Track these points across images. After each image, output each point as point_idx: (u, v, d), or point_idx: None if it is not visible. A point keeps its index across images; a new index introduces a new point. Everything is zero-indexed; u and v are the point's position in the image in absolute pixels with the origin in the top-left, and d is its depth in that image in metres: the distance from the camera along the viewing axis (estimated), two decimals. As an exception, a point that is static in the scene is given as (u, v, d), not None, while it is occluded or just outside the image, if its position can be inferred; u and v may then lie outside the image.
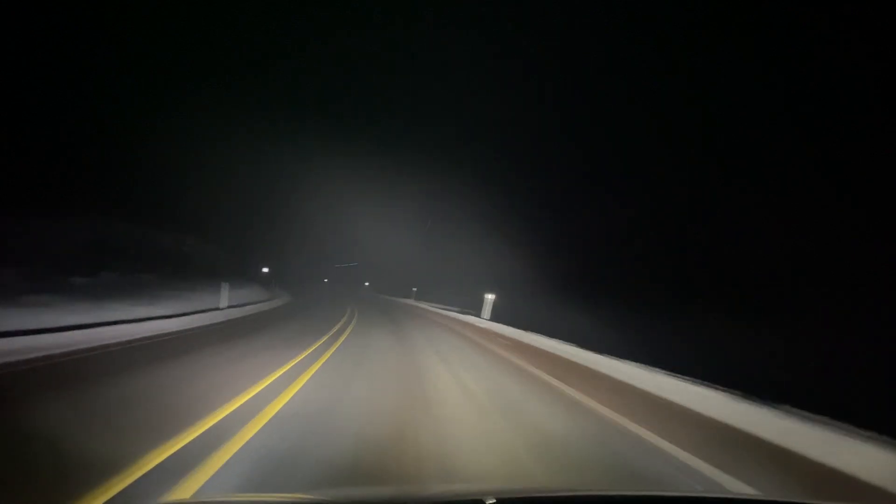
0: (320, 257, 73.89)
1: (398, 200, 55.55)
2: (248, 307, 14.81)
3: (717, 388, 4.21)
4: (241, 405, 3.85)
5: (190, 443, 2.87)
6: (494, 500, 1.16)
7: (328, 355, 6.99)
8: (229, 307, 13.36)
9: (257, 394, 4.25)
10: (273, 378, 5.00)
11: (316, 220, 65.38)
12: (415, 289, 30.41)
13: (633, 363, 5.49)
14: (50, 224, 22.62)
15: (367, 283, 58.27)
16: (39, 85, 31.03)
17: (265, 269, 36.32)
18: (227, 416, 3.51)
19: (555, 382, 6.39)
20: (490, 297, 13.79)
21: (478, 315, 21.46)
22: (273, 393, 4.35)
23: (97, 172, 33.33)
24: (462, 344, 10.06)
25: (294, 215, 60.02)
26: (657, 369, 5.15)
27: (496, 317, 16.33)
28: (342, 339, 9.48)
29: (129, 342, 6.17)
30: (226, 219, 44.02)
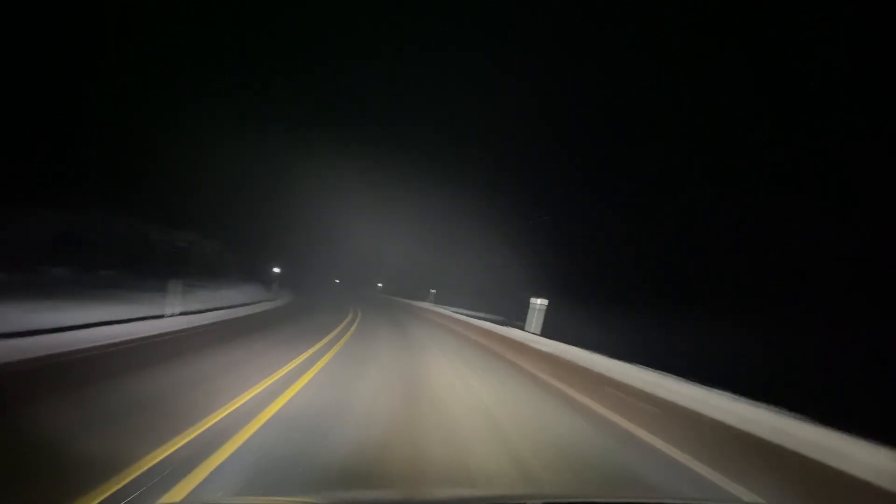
0: (332, 258, 71.54)
1: (412, 201, 52.04)
2: (215, 313, 11.11)
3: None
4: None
5: None
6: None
7: (258, 424, 3.12)
8: (182, 314, 9.67)
9: None
10: None
11: (328, 221, 62.97)
12: (433, 291, 26.45)
13: None
14: (14, 215, 19.57)
15: (379, 285, 54.63)
16: (38, 83, 29.87)
17: (276, 270, 34.65)
18: None
19: None
20: (540, 302, 9.69)
21: (510, 324, 17.40)
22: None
23: (95, 169, 31.96)
24: (546, 400, 5.51)
25: (307, 216, 57.56)
26: None
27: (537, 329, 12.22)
28: (313, 372, 5.61)
29: None
30: (235, 219, 42.17)
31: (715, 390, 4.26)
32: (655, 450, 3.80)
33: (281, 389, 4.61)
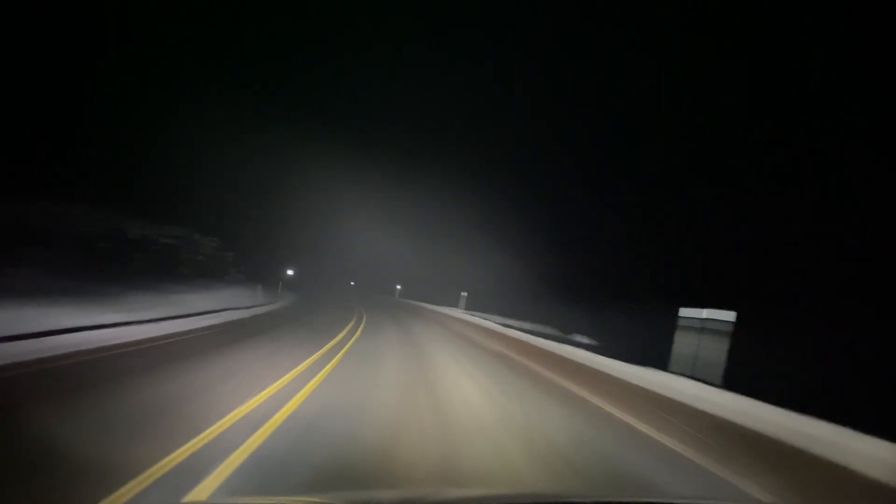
0: (348, 260, 68.78)
1: (424, 201, 48.29)
2: (101, 333, 6.48)
3: None
4: None
5: None
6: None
7: None
8: (30, 336, 5.06)
9: None
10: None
11: (342, 222, 60.24)
12: (464, 294, 21.47)
13: None
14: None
15: (398, 287, 50.61)
16: (38, 83, 27.58)
17: (289, 272, 32.44)
18: None
19: None
20: (707, 315, 4.79)
21: (571, 342, 12.51)
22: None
23: (91, 165, 30.26)
24: None
25: (320, 218, 54.66)
26: None
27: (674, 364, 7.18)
28: None
29: None
30: (240, 220, 40.17)
31: None
32: None
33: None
